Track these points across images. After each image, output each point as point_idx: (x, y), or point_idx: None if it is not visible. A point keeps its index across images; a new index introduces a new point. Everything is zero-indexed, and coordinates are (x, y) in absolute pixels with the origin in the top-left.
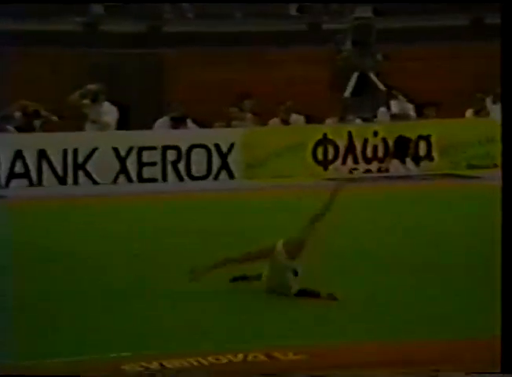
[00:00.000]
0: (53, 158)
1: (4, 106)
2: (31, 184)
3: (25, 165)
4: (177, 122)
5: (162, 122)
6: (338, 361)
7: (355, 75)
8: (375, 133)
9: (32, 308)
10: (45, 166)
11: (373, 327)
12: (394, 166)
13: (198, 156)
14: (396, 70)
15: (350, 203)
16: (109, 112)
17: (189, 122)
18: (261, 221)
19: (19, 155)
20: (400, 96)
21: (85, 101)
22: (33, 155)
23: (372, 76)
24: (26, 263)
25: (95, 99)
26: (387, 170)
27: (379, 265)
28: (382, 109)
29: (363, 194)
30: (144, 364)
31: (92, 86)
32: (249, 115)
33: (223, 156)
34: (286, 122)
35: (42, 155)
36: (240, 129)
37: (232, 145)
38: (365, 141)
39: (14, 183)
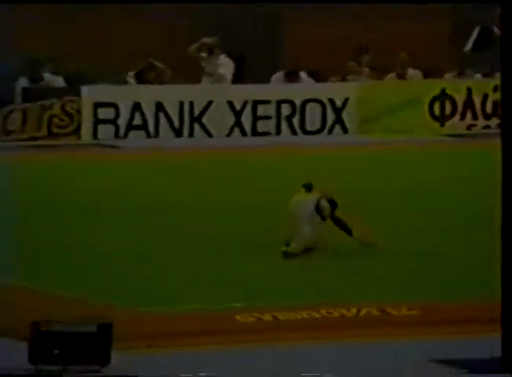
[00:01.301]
0: (169, 110)
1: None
2: (149, 135)
3: (143, 116)
4: (291, 77)
5: (278, 76)
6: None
7: (477, 29)
8: (496, 89)
9: (155, 256)
10: (162, 118)
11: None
12: None
13: (312, 110)
14: None
15: (468, 159)
16: (225, 65)
17: (305, 75)
18: (376, 176)
19: (137, 106)
20: None
21: (203, 54)
22: (151, 106)
23: (495, 29)
24: (141, 212)
25: (211, 52)
26: None
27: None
28: None
29: (481, 150)
30: (256, 314)
31: (208, 40)
32: (366, 70)
33: (337, 111)
34: (402, 77)
35: (160, 107)
36: (355, 84)
37: (346, 100)
38: (485, 97)
39: (132, 134)
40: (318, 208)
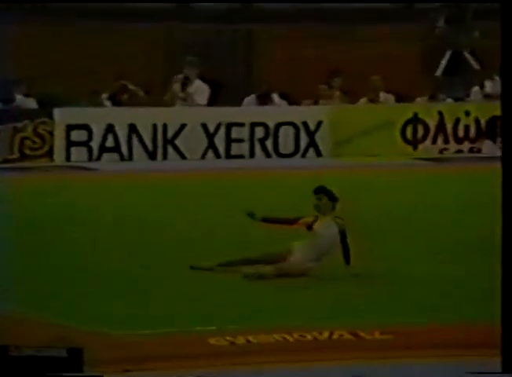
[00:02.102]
0: (143, 132)
1: (99, 82)
2: (122, 158)
3: (116, 139)
4: (263, 99)
5: (251, 99)
6: (423, 341)
7: (448, 54)
8: (467, 113)
9: (126, 277)
10: (135, 141)
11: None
12: (487, 146)
13: (286, 133)
14: (494, 48)
15: (440, 184)
16: (201, 92)
17: (277, 98)
18: (349, 199)
19: (110, 129)
20: (496, 76)
21: (180, 94)
22: (124, 129)
23: (466, 55)
24: (114, 235)
25: (185, 84)
26: (479, 151)
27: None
28: (476, 88)
29: (454, 174)
30: (229, 338)
31: (179, 77)
32: (337, 93)
33: (311, 134)
34: (374, 100)
35: (133, 129)
36: (328, 107)
37: (319, 123)
38: (457, 121)
39: (106, 157)
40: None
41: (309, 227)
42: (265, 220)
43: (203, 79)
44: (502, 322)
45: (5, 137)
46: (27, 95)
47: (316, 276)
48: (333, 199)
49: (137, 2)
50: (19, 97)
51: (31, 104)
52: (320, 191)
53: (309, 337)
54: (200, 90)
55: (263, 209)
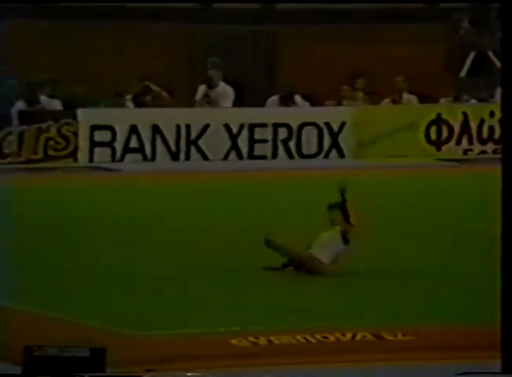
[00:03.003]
0: (166, 133)
1: (122, 83)
2: (145, 158)
3: (140, 139)
4: (286, 100)
5: (274, 100)
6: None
7: (472, 54)
8: (492, 114)
9: (149, 277)
10: (158, 142)
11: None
12: None
13: (309, 134)
14: None
15: (464, 185)
16: (226, 96)
17: (300, 99)
18: (372, 200)
19: (134, 130)
20: None
21: (207, 100)
22: (147, 130)
23: (490, 55)
24: (138, 235)
25: (211, 86)
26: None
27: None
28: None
29: (478, 175)
30: (252, 339)
31: (210, 72)
32: (361, 94)
33: (334, 135)
34: (397, 102)
35: (156, 130)
36: (352, 108)
37: (343, 124)
38: (481, 122)
39: (129, 157)
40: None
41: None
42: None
43: (227, 81)
44: (502, 322)
45: (30, 137)
46: (51, 96)
47: (335, 274)
48: (346, 217)
49: (162, 2)
50: (43, 98)
51: (56, 105)
52: (336, 206)
53: (331, 338)
54: (225, 93)
55: (285, 210)
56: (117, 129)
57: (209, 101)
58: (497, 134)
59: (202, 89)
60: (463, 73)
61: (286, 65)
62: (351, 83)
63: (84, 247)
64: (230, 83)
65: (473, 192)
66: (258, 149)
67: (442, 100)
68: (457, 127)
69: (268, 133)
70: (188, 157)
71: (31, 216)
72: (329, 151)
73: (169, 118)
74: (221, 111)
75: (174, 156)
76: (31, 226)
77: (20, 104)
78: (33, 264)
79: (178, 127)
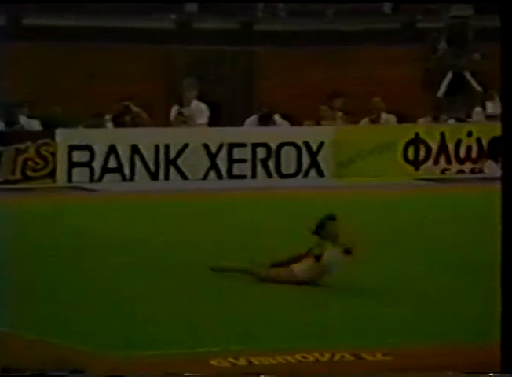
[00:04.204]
0: (145, 153)
1: (99, 102)
2: (124, 178)
3: (118, 159)
4: (264, 120)
5: (252, 119)
6: (423, 363)
7: (449, 75)
8: (469, 134)
9: (126, 298)
10: (137, 161)
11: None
12: (489, 166)
13: (288, 154)
14: (495, 69)
15: (442, 204)
16: (201, 113)
17: (279, 119)
18: (351, 220)
19: (112, 149)
20: (497, 97)
21: (181, 119)
22: (126, 149)
23: (467, 76)
24: (115, 255)
25: (181, 105)
26: (481, 171)
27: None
28: (478, 109)
29: (456, 195)
30: (231, 359)
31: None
32: (339, 114)
33: (313, 154)
34: (375, 121)
35: (135, 150)
36: (330, 128)
37: (321, 143)
38: (458, 141)
39: (107, 177)
40: None
41: (318, 258)
42: (274, 265)
43: (203, 100)
44: (502, 322)
45: (8, 158)
46: (30, 117)
47: (315, 292)
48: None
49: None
50: (23, 119)
51: (35, 125)
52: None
53: (310, 358)
54: (199, 110)
55: (265, 229)
56: (95, 149)
57: (184, 120)
58: (474, 154)
59: (175, 109)
60: (441, 93)
61: (264, 85)
62: (329, 103)
63: (62, 267)
64: (205, 102)
65: (451, 211)
66: (237, 169)
67: (420, 120)
68: (435, 147)
69: (247, 153)
70: (167, 177)
71: (9, 236)
72: (308, 171)
73: (148, 137)
74: (199, 131)
75: (153, 176)
76: (9, 247)
77: None
78: (10, 285)
79: (157, 147)
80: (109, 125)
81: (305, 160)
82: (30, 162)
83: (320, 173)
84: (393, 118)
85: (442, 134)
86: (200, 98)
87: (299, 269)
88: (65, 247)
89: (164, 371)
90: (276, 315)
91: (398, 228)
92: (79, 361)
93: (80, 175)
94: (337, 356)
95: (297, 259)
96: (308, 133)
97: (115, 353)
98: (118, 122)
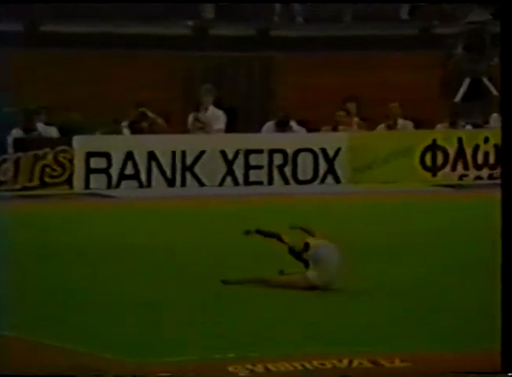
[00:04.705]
0: (162, 160)
1: (116, 108)
2: (141, 185)
3: (135, 166)
4: (281, 126)
5: (269, 126)
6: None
7: (467, 80)
8: (486, 140)
9: (143, 304)
10: (154, 168)
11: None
12: None
13: (304, 160)
14: None
15: (459, 210)
16: (218, 119)
17: (295, 125)
18: (368, 225)
19: (130, 156)
20: None
21: (198, 124)
22: (143, 156)
23: (485, 81)
24: (133, 261)
25: (198, 110)
26: (499, 178)
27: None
28: (495, 115)
29: (473, 201)
30: (249, 366)
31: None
32: (356, 120)
33: (329, 160)
34: (392, 127)
35: (152, 156)
36: (347, 134)
37: (338, 149)
38: (476, 147)
39: (124, 184)
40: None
41: (306, 244)
42: (259, 232)
43: (219, 106)
44: (502, 322)
45: (26, 164)
46: (48, 123)
47: (331, 297)
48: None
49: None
50: (40, 126)
51: (53, 132)
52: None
53: (328, 365)
54: (216, 116)
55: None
56: (113, 155)
57: (201, 126)
58: (492, 160)
59: (192, 116)
60: (458, 99)
61: (281, 91)
62: (346, 109)
63: (80, 273)
64: (222, 108)
65: (468, 217)
66: (254, 175)
67: (438, 126)
68: (452, 153)
69: (263, 159)
70: (183, 183)
71: (27, 243)
72: (325, 177)
73: (164, 144)
74: (216, 137)
75: (170, 182)
76: (27, 253)
77: (17, 132)
78: (28, 291)
79: (174, 153)
80: (126, 131)
81: (322, 166)
82: (47, 169)
83: (337, 180)
84: (409, 124)
85: (460, 140)
86: (217, 104)
87: (313, 274)
88: (82, 252)
89: None
90: (293, 321)
91: (415, 234)
92: (96, 367)
93: (97, 182)
94: (355, 363)
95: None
96: (324, 140)
97: (132, 359)
98: (134, 129)
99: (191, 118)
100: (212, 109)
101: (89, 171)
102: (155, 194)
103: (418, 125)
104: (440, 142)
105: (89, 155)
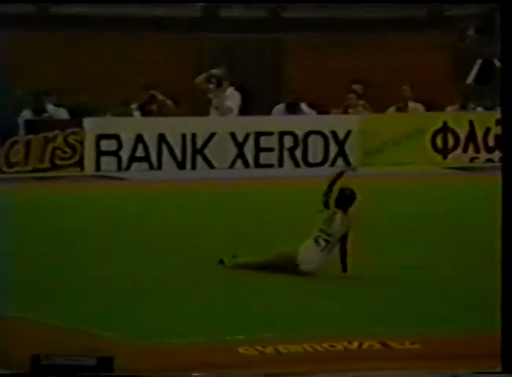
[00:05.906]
0: (172, 142)
1: (126, 90)
2: (151, 167)
3: (145, 148)
4: (292, 109)
5: (280, 108)
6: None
7: (478, 62)
8: (498, 122)
9: (154, 286)
10: (164, 150)
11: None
12: None
13: (315, 143)
14: None
15: (470, 193)
16: (233, 98)
17: (306, 107)
18: (379, 208)
19: (140, 139)
20: None
21: (211, 86)
22: (153, 138)
23: (497, 63)
24: (143, 243)
25: (219, 84)
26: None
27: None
28: None
29: (484, 183)
30: (259, 347)
31: (216, 71)
32: (361, 102)
33: (340, 143)
34: (403, 110)
35: (162, 139)
36: (358, 116)
37: (349, 132)
38: (487, 130)
39: (135, 166)
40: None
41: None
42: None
43: (236, 88)
44: (502, 322)
45: (37, 146)
46: (57, 105)
47: (341, 280)
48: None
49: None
50: (50, 107)
51: (63, 114)
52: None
53: (339, 347)
54: (233, 96)
55: (292, 218)
56: (123, 138)
57: (216, 106)
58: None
59: (205, 74)
60: (469, 81)
61: (292, 73)
62: (357, 91)
63: (90, 255)
64: (238, 89)
65: (479, 199)
66: (264, 158)
67: (448, 109)
68: (463, 135)
69: (274, 142)
70: (194, 166)
71: (38, 225)
72: (335, 160)
73: (175, 127)
74: (226, 120)
75: (180, 165)
76: (37, 235)
77: (27, 114)
78: (39, 272)
79: (184, 136)
80: (136, 114)
81: (333, 149)
82: (58, 151)
83: (347, 162)
84: (420, 106)
85: (471, 122)
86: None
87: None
88: (93, 234)
89: (191, 360)
90: (303, 304)
91: (426, 216)
92: (108, 349)
93: (108, 164)
94: (365, 345)
95: None
96: (335, 122)
97: (143, 341)
98: (144, 111)
99: (203, 75)
100: (231, 90)
101: (100, 153)
102: (166, 176)
103: (428, 107)
104: (451, 124)
105: (100, 137)
